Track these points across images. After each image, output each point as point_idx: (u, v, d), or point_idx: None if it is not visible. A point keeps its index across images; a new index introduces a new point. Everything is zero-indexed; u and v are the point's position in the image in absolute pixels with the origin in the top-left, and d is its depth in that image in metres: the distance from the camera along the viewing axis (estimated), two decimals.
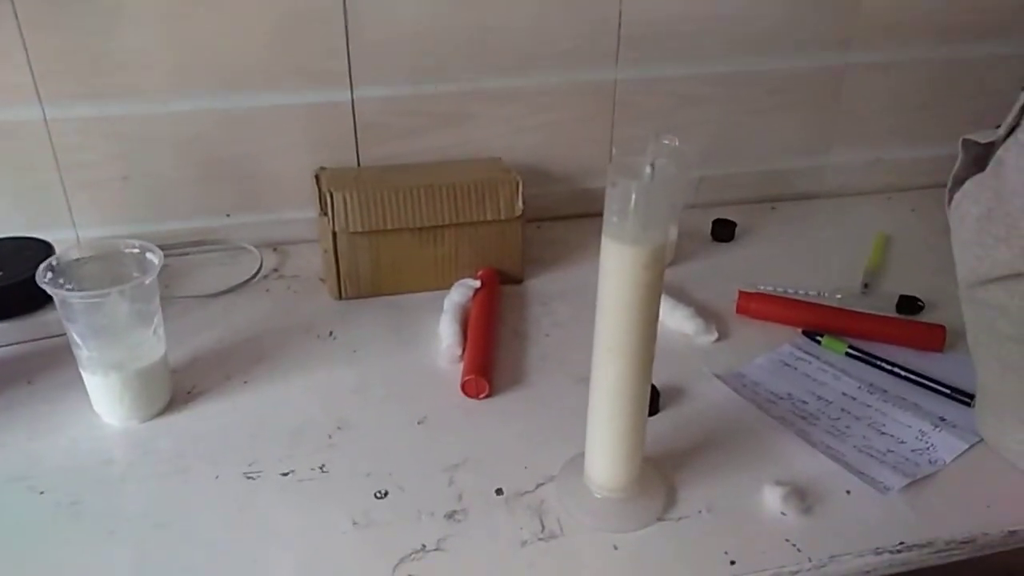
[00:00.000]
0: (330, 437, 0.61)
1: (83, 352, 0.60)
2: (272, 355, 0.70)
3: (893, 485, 0.56)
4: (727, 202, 0.97)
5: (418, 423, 0.62)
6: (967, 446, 0.60)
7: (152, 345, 0.62)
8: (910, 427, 0.62)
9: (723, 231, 0.90)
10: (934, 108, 0.98)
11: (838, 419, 0.63)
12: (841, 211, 0.98)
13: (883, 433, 0.62)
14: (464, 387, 0.64)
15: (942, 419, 0.63)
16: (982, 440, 0.60)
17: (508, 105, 0.87)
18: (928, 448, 0.60)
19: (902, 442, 0.61)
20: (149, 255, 0.61)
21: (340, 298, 0.78)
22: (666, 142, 0.79)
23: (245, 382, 0.67)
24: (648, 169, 0.44)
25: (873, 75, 0.94)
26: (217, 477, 0.57)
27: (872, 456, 0.59)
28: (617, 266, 0.46)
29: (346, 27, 0.79)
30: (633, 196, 0.44)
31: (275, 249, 0.87)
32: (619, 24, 0.85)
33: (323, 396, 0.65)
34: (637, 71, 0.88)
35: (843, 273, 0.83)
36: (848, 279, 0.82)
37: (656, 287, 0.47)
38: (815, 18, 0.90)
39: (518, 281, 0.81)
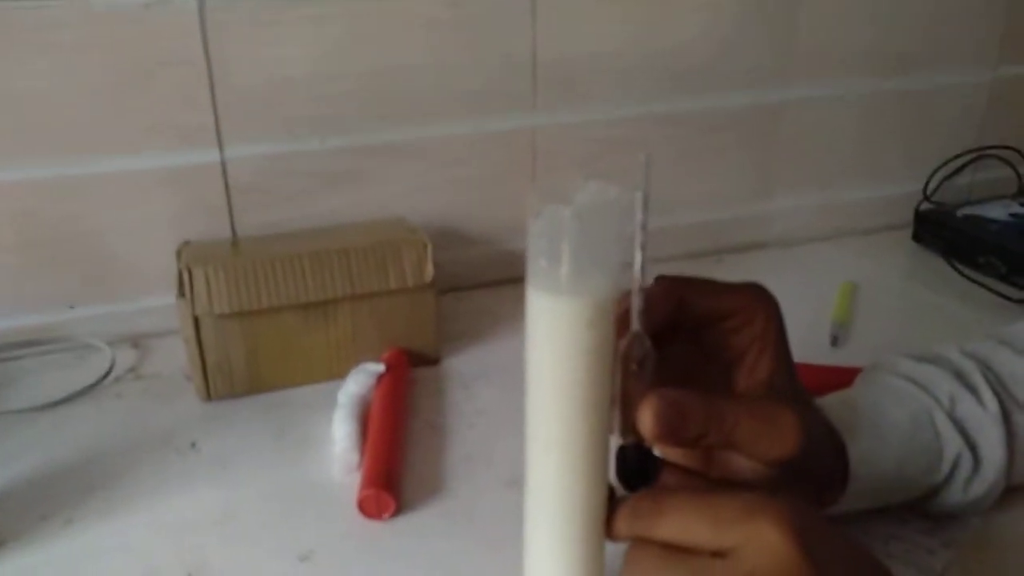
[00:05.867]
0: None
1: None
2: (111, 481, 0.53)
3: None
4: (667, 258, 0.86)
5: (301, 560, 0.47)
6: None
7: None
8: None
9: None
10: (880, 144, 0.91)
11: None
12: (792, 260, 0.88)
13: None
14: (362, 506, 0.49)
15: None
16: None
17: (411, 159, 0.75)
18: None
19: None
20: None
21: (209, 399, 0.62)
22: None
23: (68, 521, 0.50)
24: (583, 192, 0.32)
25: (813, 111, 0.86)
26: None
27: None
28: (550, 327, 0.33)
29: (210, 73, 0.66)
30: (566, 227, 0.31)
31: (135, 345, 0.71)
32: (533, 63, 0.75)
33: (174, 532, 0.49)
34: (557, 116, 0.78)
35: (807, 327, 0.72)
36: (814, 333, 0.71)
37: (605, 352, 0.33)
38: (748, 51, 0.82)
39: (433, 362, 0.67)
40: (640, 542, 0.33)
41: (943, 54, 0.89)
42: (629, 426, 0.35)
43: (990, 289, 0.76)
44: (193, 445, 0.57)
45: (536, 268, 0.32)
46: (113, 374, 0.66)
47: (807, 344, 0.68)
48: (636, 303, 0.35)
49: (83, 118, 0.65)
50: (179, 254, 0.64)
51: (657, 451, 0.38)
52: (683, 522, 0.31)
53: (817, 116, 0.87)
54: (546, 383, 0.34)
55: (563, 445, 0.34)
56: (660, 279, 0.38)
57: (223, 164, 0.69)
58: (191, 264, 0.60)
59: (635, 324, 0.35)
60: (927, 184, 0.91)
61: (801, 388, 0.40)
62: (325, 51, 0.69)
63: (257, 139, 0.70)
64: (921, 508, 0.47)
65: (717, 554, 0.30)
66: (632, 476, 0.36)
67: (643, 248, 0.34)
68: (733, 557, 0.29)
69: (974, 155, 0.92)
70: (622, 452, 0.37)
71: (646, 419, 0.34)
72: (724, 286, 0.39)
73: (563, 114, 0.78)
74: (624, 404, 0.35)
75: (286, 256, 0.61)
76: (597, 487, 0.35)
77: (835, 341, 0.69)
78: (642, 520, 0.33)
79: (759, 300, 0.39)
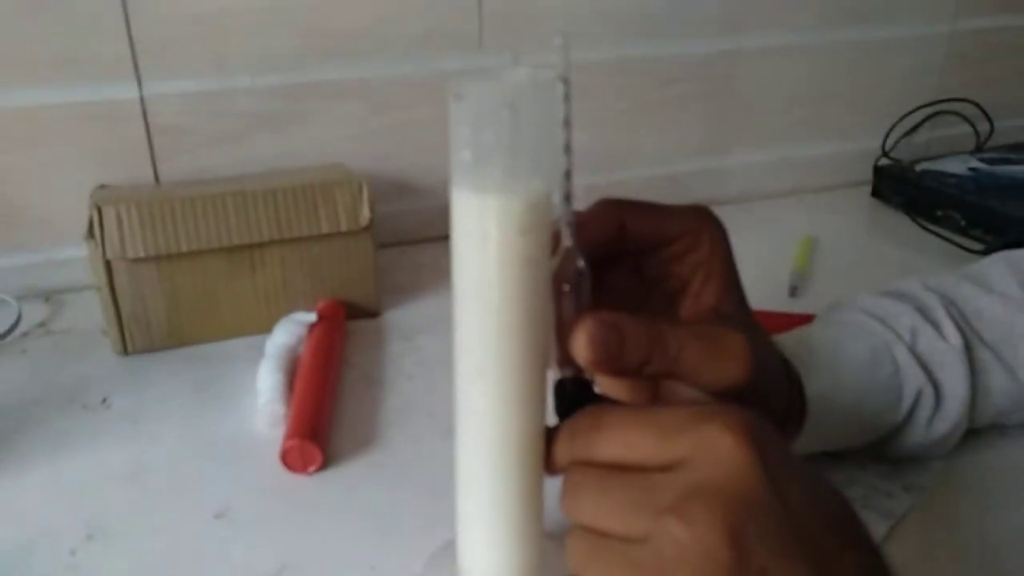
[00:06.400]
0: (73, 554, 0.40)
1: None
2: (5, 439, 0.48)
3: None
4: None
5: (216, 517, 0.42)
6: None
7: None
8: None
9: None
10: (837, 99, 0.88)
11: None
12: (751, 217, 0.85)
13: None
14: (285, 458, 0.45)
15: None
16: None
17: (350, 101, 0.70)
18: None
19: None
20: None
21: (125, 353, 0.57)
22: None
23: None
24: (514, 68, 0.28)
25: (769, 62, 0.83)
26: None
27: None
28: (477, 232, 0.29)
29: None
30: (494, 112, 0.27)
31: (47, 299, 0.66)
32: (479, 1, 0.71)
33: (75, 492, 0.44)
34: (504, 57, 0.74)
35: (765, 280, 0.69)
36: (772, 285, 0.68)
37: (540, 263, 0.30)
38: None
39: (373, 314, 0.63)
40: (579, 465, 0.29)
41: (900, 5, 0.86)
42: (566, 357, 0.32)
43: (949, 241, 0.75)
44: (104, 401, 0.52)
45: (460, 162, 0.28)
46: (19, 329, 0.61)
47: (765, 295, 0.66)
48: (565, 215, 0.31)
49: None
50: (92, 196, 0.59)
51: (599, 388, 0.35)
52: (625, 436, 0.28)
53: (773, 68, 0.84)
54: (473, 299, 0.30)
55: (494, 370, 0.30)
56: (600, 201, 0.35)
57: (142, 101, 0.64)
58: (101, 203, 0.54)
59: (566, 239, 0.31)
60: (885, 140, 0.89)
61: (751, 317, 0.37)
62: None
63: (180, 74, 0.64)
64: (881, 452, 0.45)
65: (666, 470, 0.26)
66: (571, 412, 0.32)
67: (568, 150, 0.30)
68: (681, 468, 0.26)
69: (932, 109, 0.90)
70: (560, 386, 0.33)
71: (580, 344, 0.30)
72: (668, 209, 0.35)
73: (510, 56, 0.74)
74: (559, 331, 0.32)
75: (207, 195, 0.56)
76: (533, 418, 0.31)
77: (794, 292, 0.67)
78: (580, 439, 0.29)
79: (705, 223, 0.35)
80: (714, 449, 0.25)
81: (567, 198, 0.30)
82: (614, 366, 0.30)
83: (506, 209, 0.28)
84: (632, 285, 0.36)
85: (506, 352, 0.30)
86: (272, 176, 0.63)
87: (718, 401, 0.33)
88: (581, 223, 0.32)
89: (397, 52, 0.70)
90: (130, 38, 0.62)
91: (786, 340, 0.43)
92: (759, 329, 0.37)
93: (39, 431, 0.49)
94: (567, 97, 0.29)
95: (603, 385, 0.35)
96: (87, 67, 0.62)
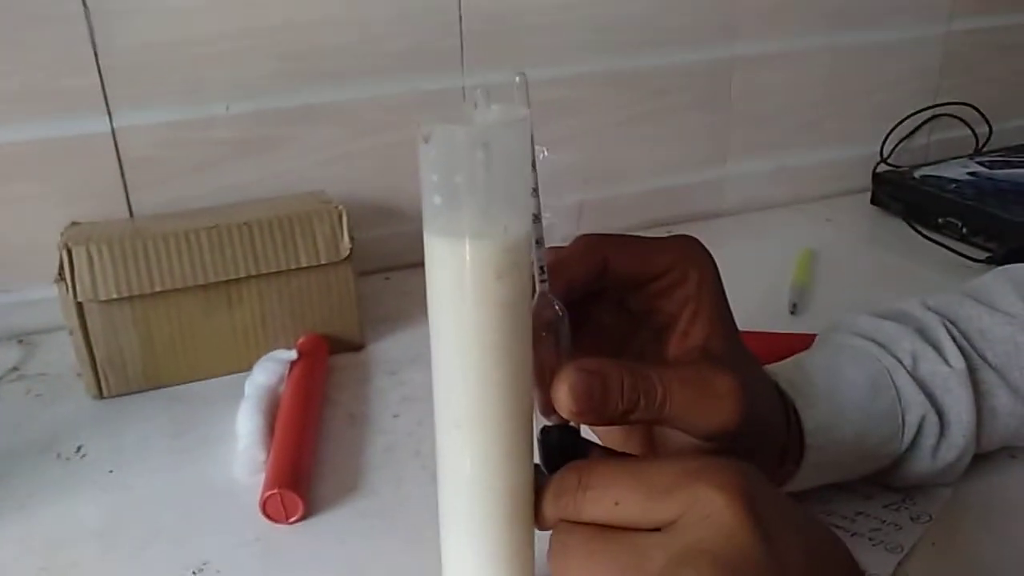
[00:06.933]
0: None
1: None
2: None
3: None
4: (614, 230, 0.80)
5: (194, 574, 0.40)
6: None
7: None
8: None
9: None
10: (833, 105, 0.86)
11: None
12: (748, 229, 0.83)
13: None
14: (265, 508, 0.43)
15: None
16: None
17: (328, 126, 0.68)
18: None
19: None
20: None
21: (101, 397, 0.55)
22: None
23: None
24: (485, 106, 0.26)
25: (762, 70, 0.82)
26: None
27: None
28: (451, 279, 0.27)
29: (90, 28, 0.59)
30: (462, 153, 0.26)
31: (20, 341, 0.63)
32: (460, 16, 0.69)
33: (46, 548, 0.42)
34: (488, 76, 0.72)
35: (764, 297, 0.67)
36: (772, 301, 0.66)
37: (519, 309, 0.28)
38: (691, 4, 0.76)
39: (357, 347, 0.60)
40: (567, 524, 0.27)
41: (893, 9, 0.84)
42: (548, 404, 0.30)
43: (951, 250, 0.73)
44: (79, 450, 0.50)
45: (431, 207, 0.26)
46: None
47: (766, 313, 0.64)
48: (537, 258, 0.29)
49: None
50: (62, 235, 0.56)
51: (592, 433, 0.33)
52: (612, 496, 0.26)
53: (768, 76, 0.82)
54: (450, 347, 0.28)
55: (474, 420, 0.28)
56: (581, 238, 0.33)
57: (113, 134, 0.62)
58: (71, 243, 0.52)
59: (539, 283, 0.29)
60: (883, 145, 0.87)
61: (744, 351, 0.35)
62: (228, 1, 0.62)
63: (151, 105, 0.62)
64: (887, 481, 0.43)
65: (655, 530, 0.25)
66: (557, 461, 0.31)
67: (536, 192, 0.28)
68: (672, 530, 0.24)
69: (930, 113, 0.88)
70: (544, 434, 0.31)
71: (562, 394, 0.28)
72: (652, 243, 0.34)
73: (495, 74, 0.72)
74: (539, 378, 0.30)
75: (180, 231, 0.54)
76: (518, 469, 0.29)
77: (794, 309, 0.65)
78: (567, 498, 0.28)
79: (691, 256, 0.34)
80: (705, 509, 0.24)
81: (538, 241, 0.29)
82: (598, 416, 0.29)
83: (481, 253, 0.26)
84: (617, 320, 0.35)
85: (484, 402, 0.28)
86: (249, 207, 0.61)
87: (710, 448, 0.31)
88: (562, 261, 0.30)
89: (375, 73, 0.68)
90: (99, 70, 0.60)
91: (784, 368, 0.41)
92: (752, 364, 0.35)
93: (13, 483, 0.47)
94: (532, 141, 0.27)
95: (598, 434, 0.33)
96: (56, 101, 0.60)
